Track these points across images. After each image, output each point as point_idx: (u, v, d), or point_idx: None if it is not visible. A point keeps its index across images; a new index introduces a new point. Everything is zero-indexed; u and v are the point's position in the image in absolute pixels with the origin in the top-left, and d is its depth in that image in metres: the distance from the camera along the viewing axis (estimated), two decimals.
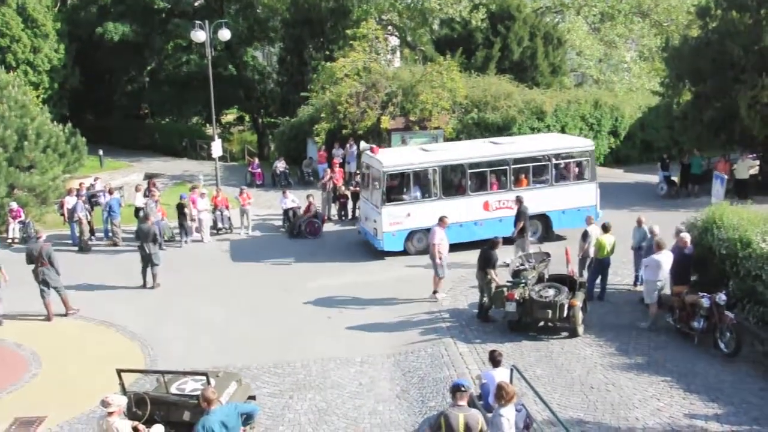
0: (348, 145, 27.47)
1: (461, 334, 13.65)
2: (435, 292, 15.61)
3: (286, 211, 21.87)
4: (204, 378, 9.30)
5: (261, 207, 24.11)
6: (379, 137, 27.53)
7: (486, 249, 14.21)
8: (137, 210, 21.40)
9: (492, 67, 32.15)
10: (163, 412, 9.34)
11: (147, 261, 16.70)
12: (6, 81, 23.44)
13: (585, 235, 15.27)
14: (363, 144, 21.32)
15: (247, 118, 49.45)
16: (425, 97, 27.04)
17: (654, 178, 26.29)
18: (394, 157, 19.39)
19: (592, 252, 14.97)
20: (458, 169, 19.20)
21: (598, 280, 15.06)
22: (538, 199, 18.86)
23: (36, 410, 11.12)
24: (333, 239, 20.93)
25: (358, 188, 22.58)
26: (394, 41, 40.90)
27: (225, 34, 25.41)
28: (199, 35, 24.50)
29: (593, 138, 29.94)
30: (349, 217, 22.78)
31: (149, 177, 29.83)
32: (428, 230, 17.84)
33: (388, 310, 15.04)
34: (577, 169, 19.96)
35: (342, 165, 26.09)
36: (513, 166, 18.96)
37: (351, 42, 29.64)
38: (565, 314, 12.95)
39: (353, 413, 10.89)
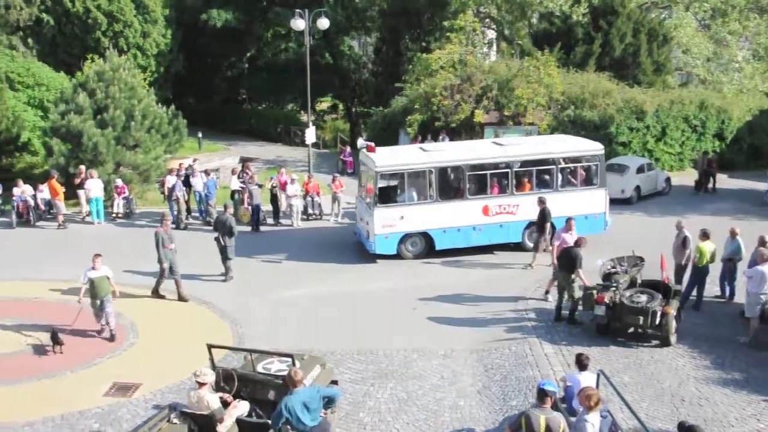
0: (440, 138, 27.37)
1: (547, 334, 13.38)
2: (547, 292, 15.19)
3: None
4: (290, 359, 9.50)
5: (351, 195, 24.34)
6: (472, 131, 27.33)
7: (571, 248, 13.85)
8: (233, 193, 22.06)
9: (591, 64, 31.28)
10: (249, 389, 9.61)
11: (222, 253, 16.60)
12: (118, 64, 24.65)
13: (686, 242, 14.60)
14: (360, 141, 20.59)
15: (340, 106, 50.09)
16: (521, 92, 26.60)
17: (761, 186, 24.91)
18: (388, 157, 18.42)
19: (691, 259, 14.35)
20: (456, 170, 18.35)
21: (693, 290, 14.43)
22: None
23: (132, 376, 11.73)
24: None
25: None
26: (491, 34, 40.44)
27: (323, 23, 25.79)
28: (299, 23, 24.97)
29: (696, 141, 28.69)
30: None
31: (244, 161, 30.70)
32: (423, 234, 17.88)
33: (474, 305, 14.92)
34: (584, 174, 18.85)
35: None
36: (515, 170, 17.98)
37: (448, 34, 29.50)
38: (657, 322, 12.47)
39: (433, 406, 10.88)
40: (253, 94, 47.85)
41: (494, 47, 41.60)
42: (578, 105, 28.10)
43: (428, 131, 27.81)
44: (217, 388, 9.39)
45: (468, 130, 27.59)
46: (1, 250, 19.19)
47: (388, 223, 17.55)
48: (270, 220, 21.89)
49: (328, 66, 44.04)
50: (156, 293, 15.54)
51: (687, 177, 27.58)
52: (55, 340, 12.46)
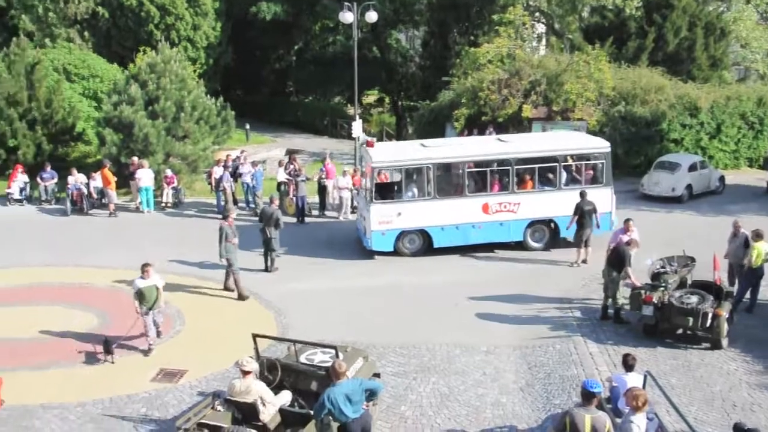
0: (487, 132, 27.13)
1: (592, 333, 13.17)
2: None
3: None
4: (333, 351, 9.55)
5: None
6: (520, 126, 27.04)
7: (620, 246, 13.57)
8: (279, 184, 22.25)
9: (644, 59, 30.61)
10: (292, 379, 9.70)
11: (267, 245, 16.56)
12: (169, 56, 25.07)
13: (747, 242, 14.10)
14: (362, 136, 20.30)
15: (387, 99, 50.09)
16: (570, 87, 26.19)
17: None
18: (386, 152, 18.32)
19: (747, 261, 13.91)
20: (455, 167, 18.00)
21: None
22: (545, 203, 17.70)
23: (178, 363, 11.95)
24: None
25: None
26: (541, 28, 39.90)
27: (372, 16, 25.79)
28: (347, 16, 25.02)
29: (753, 138, 27.83)
30: None
31: (290, 152, 30.91)
32: (421, 231, 17.59)
33: (518, 301, 14.76)
34: (590, 172, 18.29)
35: None
36: (516, 167, 17.50)
37: (496, 28, 29.24)
38: (708, 324, 12.14)
39: (475, 402, 10.82)
40: (301, 86, 48.19)
41: (543, 41, 41.05)
42: (629, 101, 27.52)
43: (475, 126, 27.61)
44: (261, 377, 9.48)
45: (515, 125, 27.30)
46: (56, 237, 19.74)
47: (385, 220, 17.30)
48: (315, 212, 22.02)
49: (375, 59, 44.07)
50: (226, 288, 15.43)
51: (742, 176, 26.79)
52: (107, 349, 12.14)
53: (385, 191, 18.18)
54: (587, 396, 7.72)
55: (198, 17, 37.83)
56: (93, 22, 36.60)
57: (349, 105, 45.73)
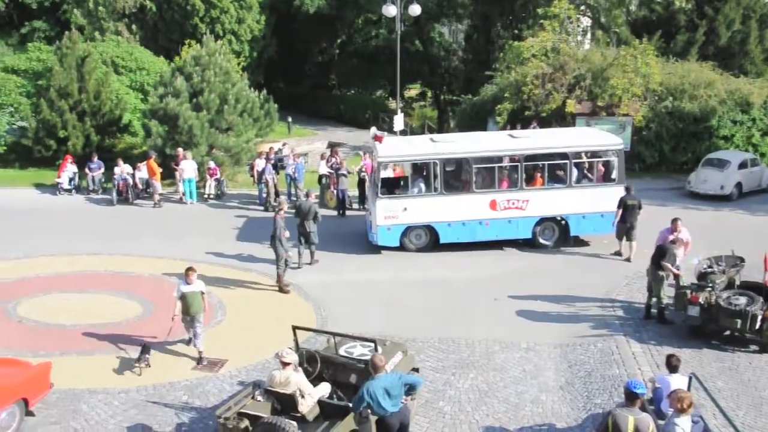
0: (531, 127, 26.84)
1: (636, 332, 12.93)
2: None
3: None
4: (372, 344, 9.55)
5: None
6: (563, 121, 26.66)
7: (664, 245, 13.28)
8: (320, 177, 22.36)
9: (693, 53, 29.91)
10: (331, 371, 9.74)
11: (306, 238, 16.39)
12: (214, 49, 25.37)
13: None
14: (372, 129, 20.09)
15: (429, 93, 49.93)
16: (616, 82, 25.71)
17: None
18: (393, 147, 18.12)
19: None
20: (462, 163, 17.77)
21: None
22: (555, 200, 17.38)
23: (219, 353, 12.10)
24: None
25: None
26: (586, 22, 39.19)
27: (415, 10, 25.70)
28: (391, 10, 24.99)
29: None
30: None
31: (332, 146, 31.04)
32: (427, 227, 17.46)
33: (559, 299, 14.59)
34: (602, 170, 17.89)
35: None
36: (525, 163, 17.20)
37: (541, 21, 28.83)
38: (757, 326, 11.81)
39: (514, 399, 10.72)
40: (343, 79, 48.36)
41: (588, 35, 40.34)
42: (677, 96, 26.89)
43: (518, 120, 27.31)
44: (300, 368, 9.55)
45: (559, 120, 26.93)
46: (102, 226, 20.16)
47: (390, 215, 17.21)
48: (356, 205, 22.07)
49: (418, 53, 43.95)
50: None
51: None
52: (142, 356, 11.50)
53: (392, 186, 18.11)
54: (631, 396, 7.58)
55: (242, 11, 38.24)
56: (140, 15, 37.29)
57: (390, 99, 45.74)
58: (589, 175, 18.01)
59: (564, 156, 17.32)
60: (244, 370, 11.62)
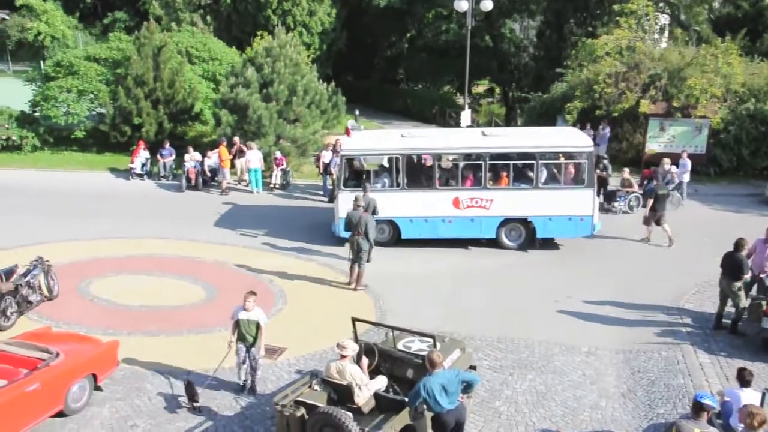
0: (600, 127, 26.24)
1: (704, 342, 12.47)
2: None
3: None
4: (431, 340, 9.51)
5: None
6: (636, 121, 25.96)
7: (734, 253, 12.67)
8: None
9: None
10: (388, 364, 9.74)
11: (355, 254, 14.85)
12: (285, 41, 25.66)
13: None
14: (350, 122, 19.75)
15: (497, 90, 49.36)
16: (693, 82, 24.77)
17: None
18: (358, 141, 18.01)
19: None
20: (425, 159, 17.57)
21: None
22: (520, 201, 16.94)
23: (278, 341, 12.25)
24: None
25: (605, 173, 21.52)
26: (664, 19, 37.95)
27: (487, 5, 25.42)
28: (462, 5, 24.78)
29: None
30: None
31: None
32: (390, 222, 17.20)
33: (622, 303, 14.20)
34: (570, 172, 17.23)
35: None
36: (490, 162, 16.80)
37: (617, 18, 28.03)
38: None
39: (573, 403, 10.51)
40: (411, 74, 48.24)
41: (666, 33, 39.07)
42: (760, 98, 25.72)
43: (588, 120, 26.71)
44: (358, 360, 9.58)
45: (631, 120, 26.21)
46: (171, 211, 20.72)
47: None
48: None
49: (487, 49, 43.47)
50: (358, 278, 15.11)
51: None
52: (190, 394, 10.19)
53: (355, 179, 17.91)
54: (698, 408, 7.30)
55: (314, 3, 38.61)
56: (215, 7, 38.10)
57: (458, 94, 45.38)
58: (557, 176, 17.45)
59: (530, 156, 16.91)
60: (302, 359, 11.76)
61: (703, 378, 11.16)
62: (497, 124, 37.54)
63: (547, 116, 30.81)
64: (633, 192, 21.14)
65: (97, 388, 10.36)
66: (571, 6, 36.22)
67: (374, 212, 15.93)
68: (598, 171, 21.71)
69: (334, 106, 26.70)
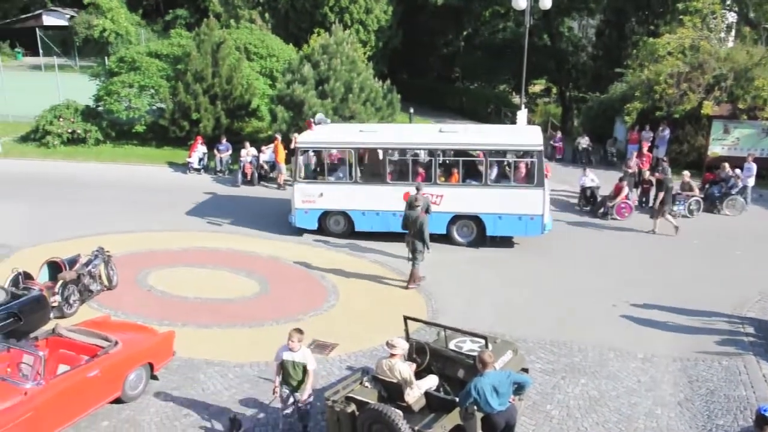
0: (660, 129, 25.60)
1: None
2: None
3: (584, 189, 21.17)
4: (483, 341, 9.42)
5: (557, 182, 23.61)
6: (698, 123, 25.22)
7: None
8: None
9: None
10: (439, 364, 9.68)
11: (411, 252, 14.78)
12: (342, 38, 25.81)
13: None
14: (318, 116, 20.07)
15: (554, 90, 48.66)
16: (762, 83, 23.92)
17: None
18: (315, 134, 18.31)
19: None
20: (376, 153, 17.78)
21: None
22: (470, 198, 17.01)
23: (329, 336, 12.35)
24: (632, 224, 19.68)
25: (663, 175, 20.97)
26: (732, 17, 36.75)
27: (546, 3, 24.99)
28: (520, 2, 24.45)
29: None
30: (650, 204, 21.18)
31: None
32: (343, 213, 17.77)
33: (681, 309, 13.81)
34: (520, 171, 17.16)
35: (650, 149, 24.40)
36: (439, 159, 16.94)
37: (680, 17, 27.28)
38: None
39: (627, 410, 10.27)
40: (467, 72, 47.92)
41: (733, 32, 37.82)
42: None
43: (647, 121, 26.08)
44: (409, 359, 9.57)
45: (693, 122, 25.48)
46: (226, 205, 21.05)
47: (307, 199, 17.74)
48: None
49: (545, 47, 42.86)
50: (411, 276, 14.99)
51: None
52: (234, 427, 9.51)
53: (310, 171, 18.44)
54: (762, 422, 7.07)
55: (371, 1, 38.71)
56: (273, 4, 38.57)
57: (514, 93, 44.88)
58: (507, 175, 17.41)
59: (479, 154, 17.05)
60: (353, 356, 11.80)
61: (767, 390, 10.77)
62: (553, 125, 37.02)
63: (604, 117, 30.26)
64: (693, 196, 20.56)
65: (153, 377, 10.59)
66: (632, 4, 35.38)
67: (427, 210, 15.81)
68: (656, 174, 21.25)
69: (390, 103, 26.72)
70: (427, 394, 9.01)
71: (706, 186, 21.72)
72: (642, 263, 16.67)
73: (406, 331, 10.00)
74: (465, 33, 47.45)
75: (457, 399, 8.44)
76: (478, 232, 17.34)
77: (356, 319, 13.31)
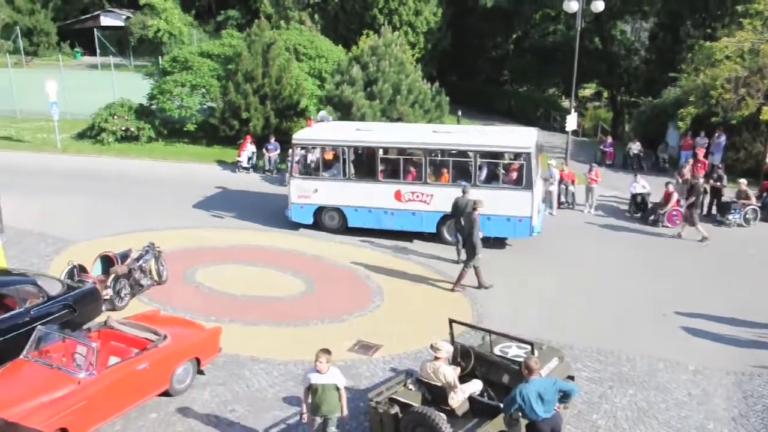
0: (715, 135, 24.95)
1: None
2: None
3: (634, 196, 20.74)
4: (529, 347, 9.30)
5: (607, 187, 23.21)
6: (756, 130, 24.53)
7: None
8: None
9: None
10: (484, 368, 9.60)
11: (463, 234, 15.36)
12: (390, 40, 25.86)
13: None
14: (321, 113, 20.34)
15: (605, 94, 47.89)
16: None
17: None
18: (312, 132, 19.18)
19: None
20: (369, 152, 18.13)
21: None
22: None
23: (374, 337, 12.36)
24: (684, 233, 19.18)
25: (719, 183, 20.46)
26: None
27: (598, 5, 24.62)
28: (572, 5, 24.14)
29: None
30: (704, 212, 20.60)
31: None
32: (337, 210, 18.05)
33: (736, 321, 13.41)
34: (509, 173, 17.23)
35: (705, 156, 23.79)
36: (429, 158, 17.13)
37: (740, 20, 26.52)
38: None
39: (677, 423, 10.01)
40: (516, 75, 47.56)
41: None
42: None
43: (702, 127, 25.44)
44: (453, 362, 9.51)
45: (751, 128, 24.76)
46: (275, 205, 21.18)
47: (303, 194, 18.17)
48: None
49: (596, 51, 42.25)
50: (481, 285, 14.90)
51: None
52: None
53: (306, 167, 18.88)
54: None
55: (420, 3, 38.72)
56: (323, 5, 38.87)
57: (564, 97, 44.37)
58: (497, 176, 17.41)
59: (468, 154, 17.11)
60: (397, 358, 11.78)
61: None
62: (604, 129, 36.44)
63: (657, 122, 29.61)
64: (750, 204, 19.96)
65: (200, 372, 10.74)
66: (688, 7, 34.59)
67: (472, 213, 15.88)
68: (711, 181, 20.72)
69: (438, 105, 26.66)
70: (471, 398, 8.94)
71: (764, 194, 21.06)
72: (694, 272, 16.26)
73: (451, 334, 9.94)
74: (515, 36, 47.08)
75: (502, 405, 8.36)
76: None
77: (401, 320, 13.28)
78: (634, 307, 14.11)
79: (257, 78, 27.48)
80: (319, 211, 18.34)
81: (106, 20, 58.63)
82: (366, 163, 18.39)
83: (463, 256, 16.20)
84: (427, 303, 14.13)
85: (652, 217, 19.81)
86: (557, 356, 10.00)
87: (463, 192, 16.24)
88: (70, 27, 59.52)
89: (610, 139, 29.49)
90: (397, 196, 17.56)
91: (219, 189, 22.95)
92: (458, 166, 17.41)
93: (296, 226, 18.65)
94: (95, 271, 13.50)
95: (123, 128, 28.44)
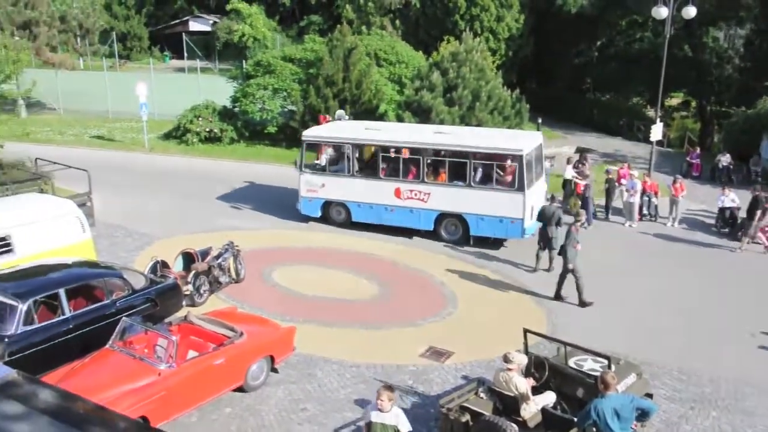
0: None
1: None
2: None
3: (722, 210, 19.84)
4: (606, 361, 9.04)
5: (693, 200, 22.35)
6: None
7: None
8: (565, 182, 21.67)
9: None
10: (557, 381, 9.39)
11: (546, 243, 16.22)
12: (471, 46, 25.73)
13: None
14: (339, 111, 21.10)
15: (693, 103, 46.13)
16: None
17: None
18: (322, 129, 20.15)
19: None
20: (373, 150, 18.73)
21: None
22: (455, 198, 17.56)
23: (446, 344, 12.29)
24: None
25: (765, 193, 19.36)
26: None
27: (690, 12, 23.75)
28: (662, 11, 23.37)
29: None
30: None
31: (581, 151, 29.93)
32: (342, 205, 18.73)
33: None
34: (502, 175, 17.39)
35: None
36: (426, 158, 17.53)
37: None
38: None
39: None
40: (599, 83, 46.33)
41: None
42: None
43: None
44: (527, 373, 9.35)
45: None
46: None
47: (311, 188, 18.96)
48: (601, 215, 21.03)
49: (685, 58, 40.67)
50: (557, 296, 14.64)
51: None
52: None
53: (315, 163, 19.76)
54: None
55: (503, 9, 38.35)
56: (405, 11, 39.02)
57: (649, 106, 42.97)
58: (491, 178, 17.53)
59: (463, 155, 17.32)
60: (469, 365, 11.67)
61: None
62: (691, 140, 35.14)
63: (751, 132, 28.30)
64: None
65: (274, 370, 10.94)
66: None
67: (558, 223, 16.15)
68: None
69: (518, 113, 26.33)
70: (543, 410, 8.77)
71: None
72: None
73: (525, 344, 9.78)
74: (599, 43, 45.95)
75: (575, 419, 8.15)
76: (463, 231, 17.83)
77: (474, 328, 13.15)
78: (719, 326, 13.54)
79: (338, 82, 27.82)
80: (327, 205, 19.08)
81: (194, 25, 60.67)
82: (369, 161, 19.14)
83: (542, 264, 16.22)
84: (501, 312, 13.95)
85: (741, 233, 18.94)
86: (635, 372, 9.70)
87: (551, 200, 16.49)
88: (161, 32, 61.87)
89: (697, 150, 28.39)
90: (397, 193, 18.13)
91: (295, 191, 23.28)
92: (455, 167, 17.68)
93: (373, 229, 18.76)
94: (177, 267, 13.95)
95: (207, 129, 29.34)
